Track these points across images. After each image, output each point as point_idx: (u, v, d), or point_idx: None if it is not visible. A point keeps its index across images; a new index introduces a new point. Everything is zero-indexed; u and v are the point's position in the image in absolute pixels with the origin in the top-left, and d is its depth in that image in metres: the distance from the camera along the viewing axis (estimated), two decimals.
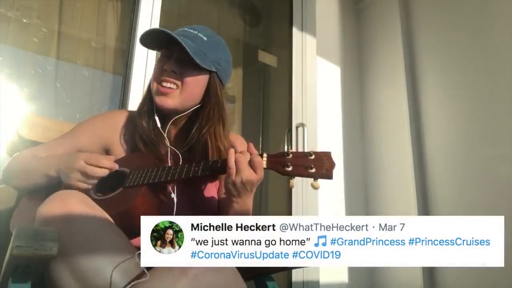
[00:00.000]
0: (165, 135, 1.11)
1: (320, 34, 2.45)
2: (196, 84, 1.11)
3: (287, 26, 2.53)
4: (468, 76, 2.12)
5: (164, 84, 1.09)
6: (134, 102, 1.75)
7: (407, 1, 2.46)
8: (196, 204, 1.09)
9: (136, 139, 1.10)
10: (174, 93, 1.09)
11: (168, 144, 1.10)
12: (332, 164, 0.90)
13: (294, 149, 2.21)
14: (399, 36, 2.39)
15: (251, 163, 0.93)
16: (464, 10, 2.19)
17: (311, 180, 0.91)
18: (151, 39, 1.13)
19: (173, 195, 1.01)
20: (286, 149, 2.18)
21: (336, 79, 2.47)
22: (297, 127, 2.28)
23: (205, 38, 1.11)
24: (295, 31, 2.49)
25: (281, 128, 2.36)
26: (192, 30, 1.12)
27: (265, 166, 0.94)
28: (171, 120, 1.12)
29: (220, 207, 1.11)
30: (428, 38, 2.34)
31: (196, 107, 1.13)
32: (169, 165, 1.05)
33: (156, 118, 1.12)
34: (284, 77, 2.47)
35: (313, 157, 0.91)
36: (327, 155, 0.91)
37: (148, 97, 1.15)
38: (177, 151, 1.10)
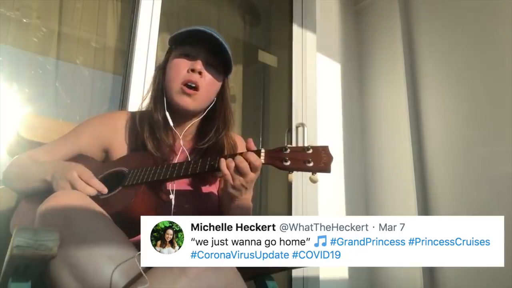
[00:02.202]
0: (180, 136, 1.12)
1: (320, 33, 2.45)
2: (214, 87, 1.14)
3: (287, 26, 2.53)
4: (468, 74, 2.12)
5: (190, 84, 1.09)
6: (134, 102, 1.75)
7: (406, 0, 2.46)
8: (197, 201, 1.10)
9: (145, 136, 1.08)
10: (197, 95, 1.09)
11: (182, 144, 1.11)
12: (330, 158, 0.90)
13: None
14: (399, 35, 2.39)
15: (239, 169, 0.93)
16: (463, 9, 2.19)
17: (309, 174, 0.90)
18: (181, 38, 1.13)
19: (172, 196, 1.01)
20: None
21: (336, 78, 2.47)
22: (297, 127, 2.27)
23: (221, 40, 1.11)
24: (295, 29, 2.49)
25: (281, 128, 2.36)
26: (210, 32, 1.10)
27: (263, 161, 0.94)
28: (191, 123, 1.13)
29: (221, 205, 1.11)
30: (428, 36, 2.34)
31: (209, 108, 1.14)
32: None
33: (168, 116, 1.11)
34: (284, 77, 2.47)
35: (310, 151, 0.91)
36: (324, 149, 0.91)
37: (160, 95, 1.14)
38: (185, 150, 1.11)
